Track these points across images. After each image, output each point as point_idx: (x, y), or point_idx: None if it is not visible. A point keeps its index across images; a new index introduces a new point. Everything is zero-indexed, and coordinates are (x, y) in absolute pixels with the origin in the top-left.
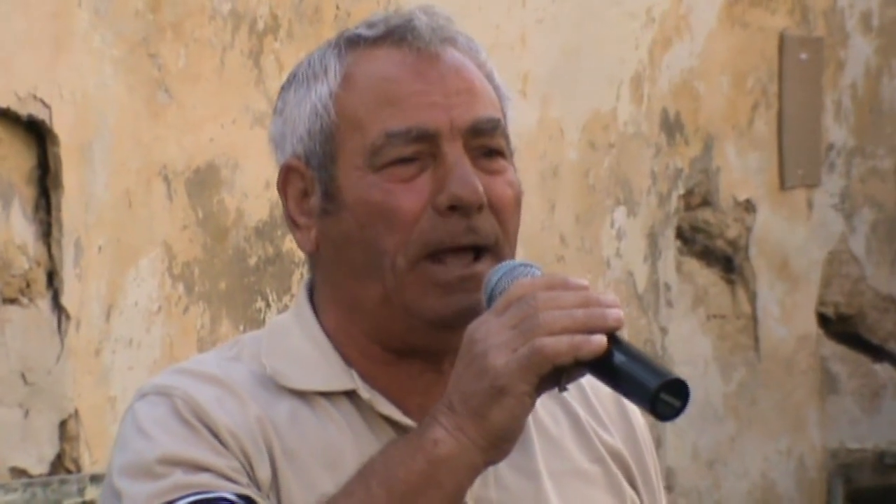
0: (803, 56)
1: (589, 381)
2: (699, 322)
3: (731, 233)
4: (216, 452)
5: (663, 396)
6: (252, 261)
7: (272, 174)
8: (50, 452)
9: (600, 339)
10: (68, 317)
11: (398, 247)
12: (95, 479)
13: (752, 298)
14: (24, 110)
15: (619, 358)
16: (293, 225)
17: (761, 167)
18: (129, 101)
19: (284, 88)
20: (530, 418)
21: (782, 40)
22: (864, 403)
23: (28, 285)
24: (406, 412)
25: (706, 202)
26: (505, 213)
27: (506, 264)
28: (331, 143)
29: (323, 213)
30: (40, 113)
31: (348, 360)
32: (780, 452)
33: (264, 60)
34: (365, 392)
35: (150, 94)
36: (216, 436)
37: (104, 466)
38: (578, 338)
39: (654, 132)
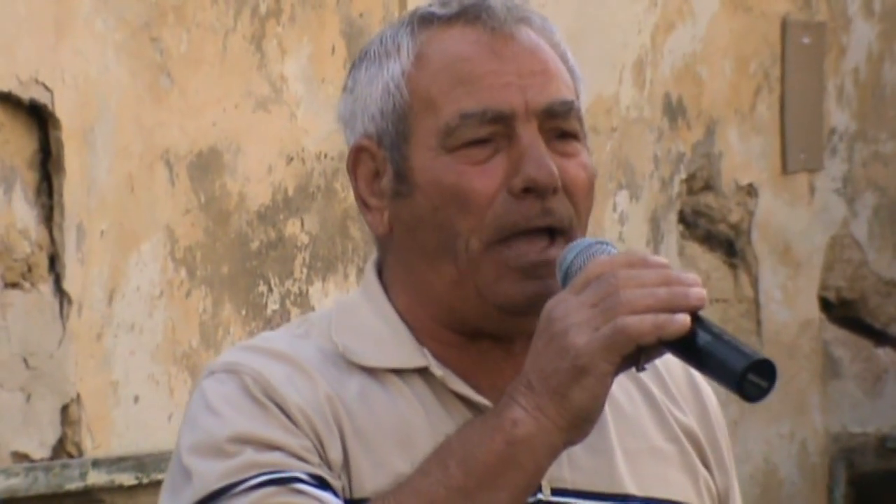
0: (806, 40)
1: (661, 360)
2: None
3: (734, 217)
4: (287, 431)
5: (751, 377)
6: (254, 245)
7: (274, 158)
8: (52, 437)
9: (684, 319)
10: (70, 301)
11: (472, 229)
12: (97, 463)
13: (755, 283)
14: (25, 94)
15: (703, 338)
16: (364, 206)
17: (763, 151)
18: (132, 85)
19: (355, 66)
20: None
21: (785, 24)
22: (867, 387)
23: (30, 269)
24: (478, 390)
25: (708, 186)
26: (579, 195)
27: (580, 242)
28: (403, 123)
29: (395, 194)
30: (42, 97)
31: (419, 340)
32: (783, 436)
33: (266, 44)
34: (437, 369)
35: (153, 78)
36: (287, 414)
37: (106, 451)
38: (662, 317)
39: (657, 116)
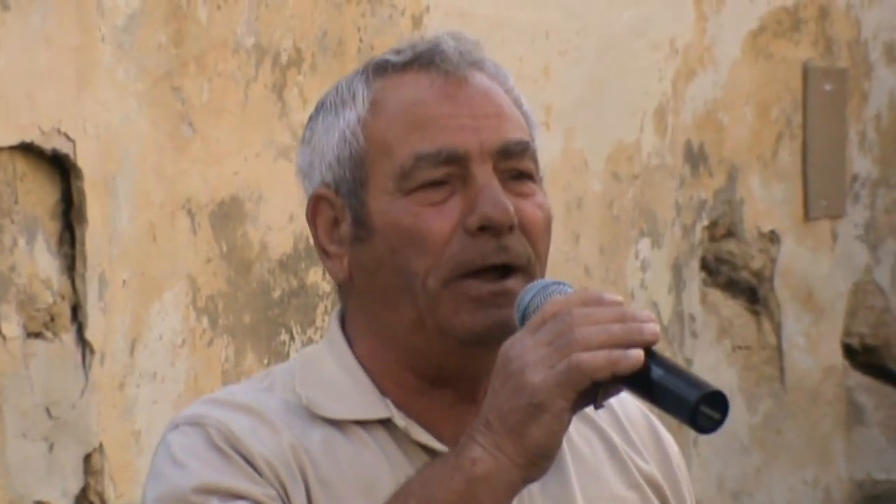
0: (827, 87)
1: (622, 409)
2: (724, 353)
3: (756, 264)
4: (251, 480)
5: (703, 409)
6: (276, 294)
7: (296, 207)
8: (74, 486)
9: (638, 354)
10: (93, 350)
11: (429, 269)
12: None
13: (778, 329)
14: (48, 144)
15: (656, 372)
16: (324, 254)
17: (786, 198)
18: (153, 134)
19: (312, 118)
20: (565, 445)
21: (806, 71)
22: (891, 434)
23: (52, 319)
24: (441, 439)
25: (730, 233)
26: (535, 234)
27: (537, 283)
28: (360, 169)
29: (354, 240)
30: (64, 147)
31: (382, 389)
32: (807, 483)
33: (288, 94)
34: (400, 420)
35: (174, 127)
36: (251, 464)
37: (129, 500)
38: (616, 353)
39: (678, 163)
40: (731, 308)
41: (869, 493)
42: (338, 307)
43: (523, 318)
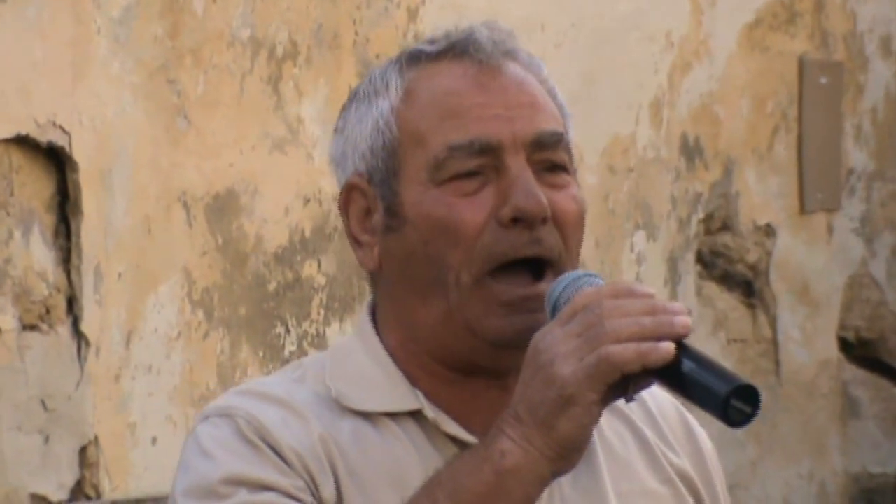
0: (823, 80)
1: (655, 403)
2: (720, 346)
3: (752, 257)
4: (280, 471)
5: (734, 403)
6: (271, 286)
7: (292, 200)
8: (70, 479)
9: (668, 347)
10: (88, 343)
11: (462, 262)
12: None
13: (773, 323)
14: (43, 137)
15: (687, 365)
16: (355, 243)
17: (781, 191)
18: (149, 127)
19: (345, 107)
20: (597, 438)
21: (802, 64)
22: (886, 427)
23: (48, 312)
24: (471, 431)
25: (726, 226)
26: (568, 227)
27: (568, 275)
28: (393, 159)
29: (386, 229)
30: (60, 139)
31: (412, 380)
32: (802, 477)
33: (283, 86)
34: (430, 412)
35: (170, 120)
36: (280, 455)
37: (124, 493)
38: (646, 345)
39: (674, 156)
40: (727, 301)
41: (864, 487)
42: (369, 298)
43: (554, 310)
